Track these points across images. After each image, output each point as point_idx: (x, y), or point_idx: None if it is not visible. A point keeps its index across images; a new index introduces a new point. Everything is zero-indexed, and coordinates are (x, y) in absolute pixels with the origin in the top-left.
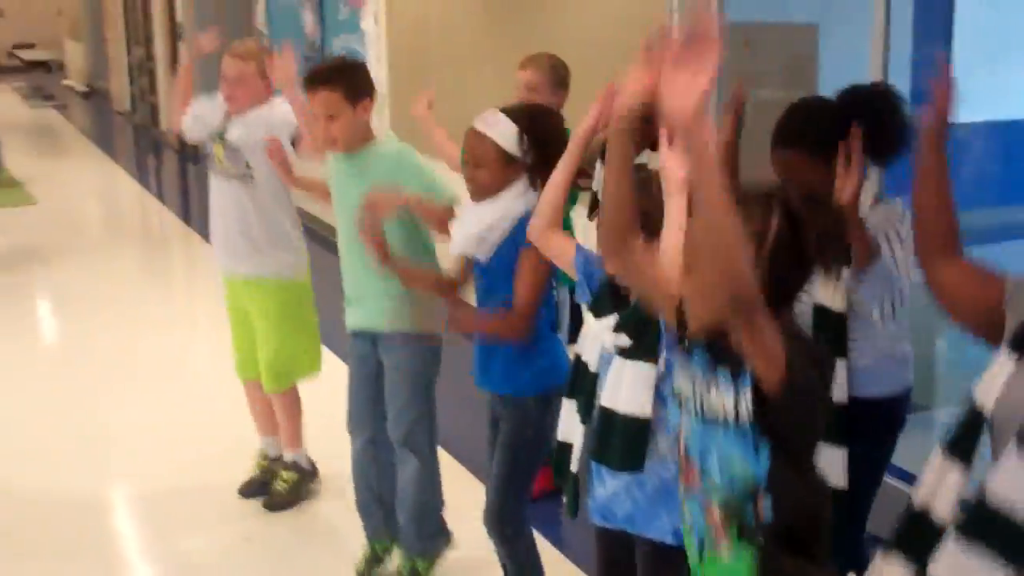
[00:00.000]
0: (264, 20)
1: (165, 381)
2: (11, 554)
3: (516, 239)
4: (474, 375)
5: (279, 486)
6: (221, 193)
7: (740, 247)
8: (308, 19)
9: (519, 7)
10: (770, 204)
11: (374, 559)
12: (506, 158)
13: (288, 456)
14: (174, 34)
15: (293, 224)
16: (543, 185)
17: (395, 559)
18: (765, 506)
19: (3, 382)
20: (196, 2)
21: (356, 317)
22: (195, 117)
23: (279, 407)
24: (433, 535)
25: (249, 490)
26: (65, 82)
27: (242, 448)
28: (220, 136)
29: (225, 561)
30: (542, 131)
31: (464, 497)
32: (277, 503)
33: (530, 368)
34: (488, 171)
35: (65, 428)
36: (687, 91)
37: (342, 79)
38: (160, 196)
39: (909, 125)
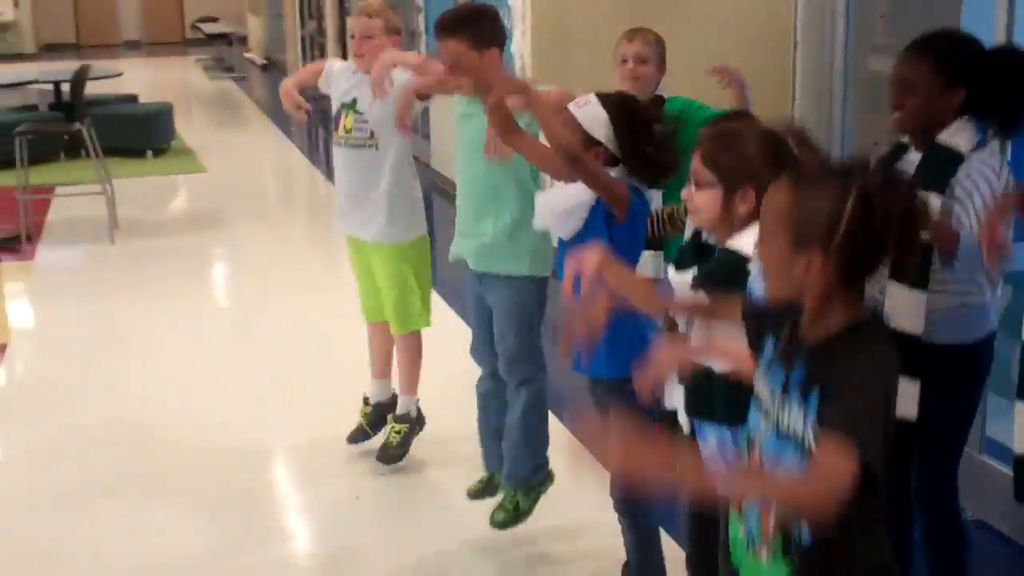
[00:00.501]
0: None
1: (318, 341)
2: (155, 493)
3: (594, 222)
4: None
5: (391, 438)
6: (347, 160)
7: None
8: None
9: None
10: (847, 185)
11: (487, 488)
12: (589, 141)
13: (401, 403)
14: (342, 8)
15: (413, 188)
16: (631, 170)
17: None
18: (807, 530)
19: (175, 336)
20: None
21: (458, 249)
22: (330, 74)
23: (402, 349)
24: (535, 470)
25: (355, 438)
26: (246, 55)
27: None
28: (352, 106)
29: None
30: (630, 121)
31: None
32: (390, 455)
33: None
34: None
35: (219, 382)
36: None
37: (468, 29)
38: (325, 167)
39: None
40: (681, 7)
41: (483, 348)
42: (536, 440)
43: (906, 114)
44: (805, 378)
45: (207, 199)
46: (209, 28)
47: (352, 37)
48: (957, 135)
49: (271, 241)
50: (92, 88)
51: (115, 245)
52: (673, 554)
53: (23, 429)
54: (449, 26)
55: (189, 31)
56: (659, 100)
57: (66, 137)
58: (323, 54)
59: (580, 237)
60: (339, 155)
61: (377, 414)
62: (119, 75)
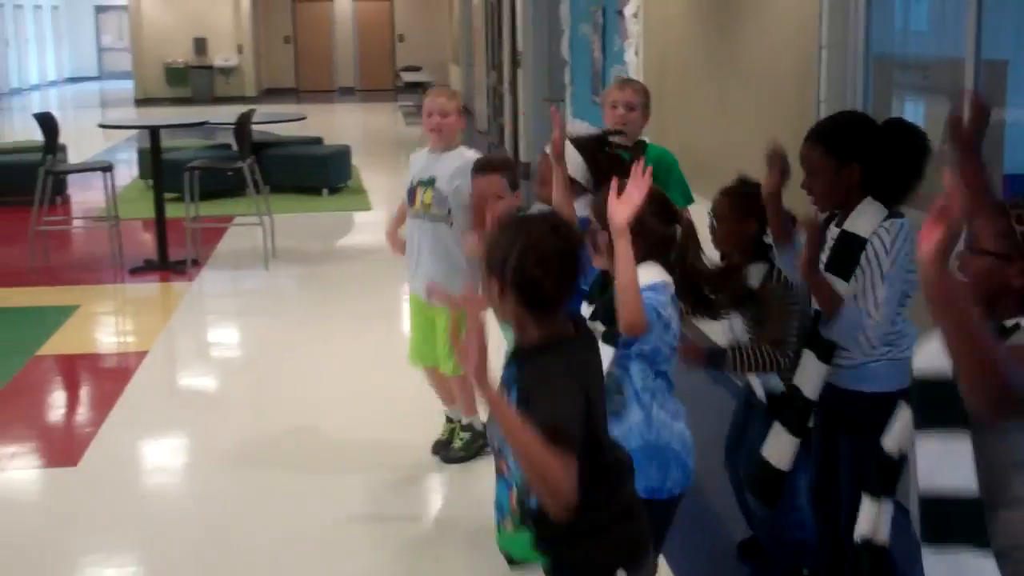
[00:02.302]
0: (567, 49)
1: None
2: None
3: None
4: None
5: (456, 443)
6: (422, 232)
7: None
8: (595, 49)
9: (726, 41)
10: (518, 233)
11: None
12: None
13: (465, 420)
14: (515, 61)
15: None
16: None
17: None
18: (532, 501)
19: (300, 349)
20: (531, 32)
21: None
22: (413, 173)
23: (457, 385)
24: None
25: (435, 448)
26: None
27: None
28: (430, 183)
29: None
30: (603, 162)
31: None
32: (452, 457)
33: None
34: (551, 189)
35: (341, 393)
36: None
37: (510, 169)
38: None
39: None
40: (732, 68)
41: None
42: None
43: (816, 195)
44: (511, 378)
45: (365, 234)
46: (410, 77)
47: (430, 115)
48: (860, 218)
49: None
50: (283, 129)
51: (268, 271)
52: None
53: (139, 435)
54: (493, 165)
55: (398, 79)
56: (641, 144)
57: (229, 173)
58: (502, 102)
59: None
60: (415, 226)
61: (454, 429)
62: (302, 119)
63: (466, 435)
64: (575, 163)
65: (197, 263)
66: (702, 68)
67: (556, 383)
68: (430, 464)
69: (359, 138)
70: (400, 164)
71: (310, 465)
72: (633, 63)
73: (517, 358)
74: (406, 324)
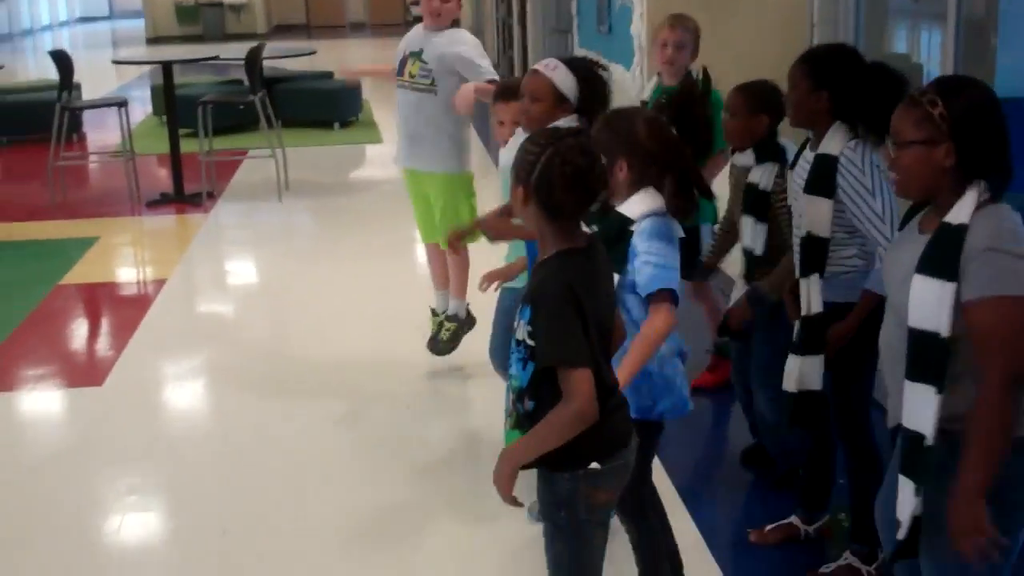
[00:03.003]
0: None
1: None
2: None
3: None
4: None
5: (443, 335)
6: (407, 103)
7: None
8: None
9: None
10: (546, 145)
11: None
12: (558, 98)
13: (452, 306)
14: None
15: (462, 129)
16: (589, 120)
17: None
18: (529, 404)
19: (309, 281)
20: None
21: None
22: (403, 46)
23: (453, 263)
24: None
25: (431, 346)
26: None
27: None
28: (418, 55)
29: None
30: (592, 84)
31: None
32: (440, 348)
33: None
34: (542, 105)
35: (347, 311)
36: None
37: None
38: (487, 142)
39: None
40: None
41: (500, 353)
42: None
43: (789, 110)
44: (527, 294)
45: (376, 167)
46: (417, 10)
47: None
48: (830, 141)
49: None
50: (299, 63)
51: (282, 203)
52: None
53: (159, 359)
54: (514, 91)
55: (407, 13)
56: (690, 80)
57: (241, 107)
58: (511, 34)
59: None
60: (401, 97)
61: (440, 323)
62: (312, 53)
63: (452, 325)
64: (567, 81)
65: (212, 196)
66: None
67: (555, 312)
68: (437, 376)
69: (368, 73)
70: None
71: (325, 386)
72: (637, 9)
73: (532, 274)
74: (416, 253)
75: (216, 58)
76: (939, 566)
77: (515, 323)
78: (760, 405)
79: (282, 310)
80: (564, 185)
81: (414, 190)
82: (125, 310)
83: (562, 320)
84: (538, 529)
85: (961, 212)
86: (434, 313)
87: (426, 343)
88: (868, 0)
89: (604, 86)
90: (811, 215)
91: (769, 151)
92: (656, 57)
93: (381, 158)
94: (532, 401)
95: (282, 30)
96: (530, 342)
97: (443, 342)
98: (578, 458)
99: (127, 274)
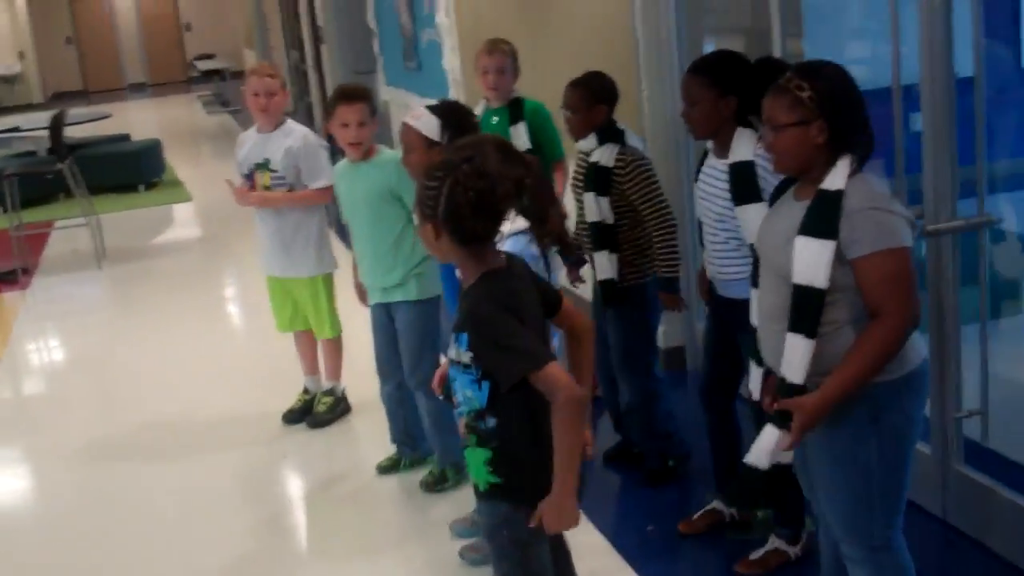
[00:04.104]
0: (373, 18)
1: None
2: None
3: None
4: None
5: (319, 407)
6: (270, 214)
7: None
8: (403, 15)
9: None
10: (446, 175)
11: (392, 466)
12: (428, 142)
13: (327, 385)
14: (316, 36)
15: (321, 227)
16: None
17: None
18: (490, 421)
19: (154, 346)
20: (331, 5)
21: (375, 297)
22: (239, 146)
23: (328, 350)
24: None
25: (291, 417)
26: (243, 88)
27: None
28: (265, 165)
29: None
30: (456, 121)
31: None
32: (319, 420)
33: None
34: (416, 155)
35: (197, 382)
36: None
37: (371, 97)
38: None
39: None
40: (545, 20)
41: (388, 363)
42: (451, 427)
43: (694, 124)
44: (460, 321)
45: (191, 225)
46: (205, 65)
47: (256, 95)
48: (739, 147)
49: (255, 260)
50: (88, 130)
51: (103, 271)
52: None
53: (13, 442)
54: (360, 93)
55: (191, 70)
56: (518, 102)
57: (49, 177)
58: (307, 81)
59: None
60: (262, 210)
61: (309, 401)
62: (107, 117)
63: (328, 399)
64: (431, 126)
65: (27, 271)
66: (517, 22)
67: (499, 329)
68: (292, 433)
69: (161, 132)
70: (209, 153)
71: (169, 453)
72: (445, 24)
73: (460, 300)
74: (250, 305)
75: (17, 129)
76: (831, 497)
77: (451, 349)
78: (625, 394)
79: (121, 381)
80: (472, 212)
81: (279, 293)
82: None
83: (508, 332)
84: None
85: (836, 180)
86: (305, 391)
87: (282, 415)
88: (688, 14)
89: (468, 118)
90: (748, 224)
91: (609, 134)
92: (480, 84)
93: (194, 215)
94: (493, 418)
95: (59, 97)
96: (476, 364)
97: (320, 414)
98: (521, 496)
99: None
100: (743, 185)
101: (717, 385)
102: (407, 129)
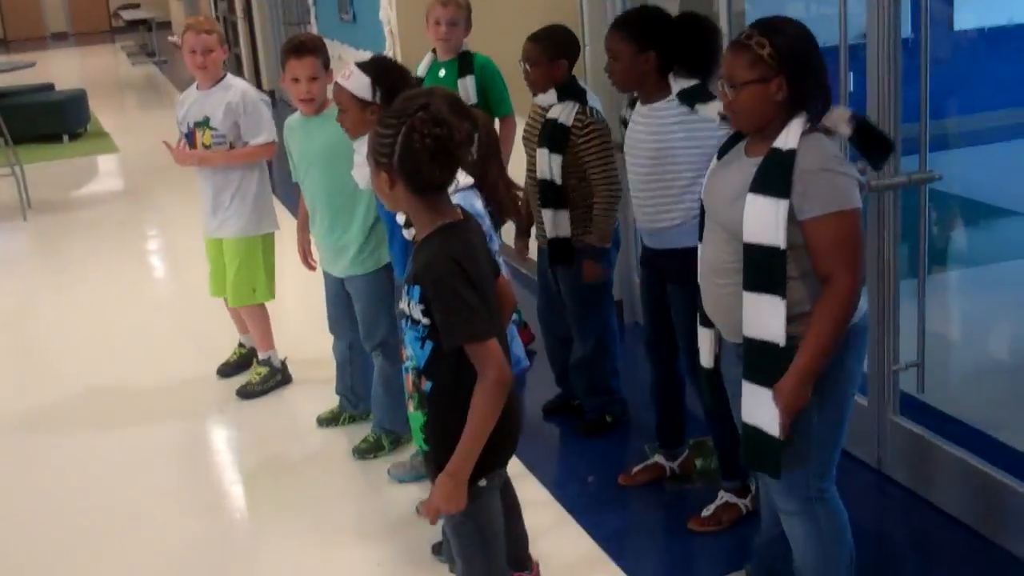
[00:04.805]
0: None
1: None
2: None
3: None
4: None
5: (253, 378)
6: (209, 173)
7: None
8: None
9: None
10: (400, 122)
11: (333, 419)
12: (361, 102)
13: (262, 355)
14: None
15: (261, 186)
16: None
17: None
18: (426, 384)
19: (79, 297)
20: None
21: (327, 264)
22: (180, 105)
23: (247, 317)
24: (400, 422)
25: (226, 370)
26: (170, 38)
27: None
28: (205, 123)
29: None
30: (388, 79)
31: None
32: (249, 392)
33: None
34: (351, 114)
35: (123, 335)
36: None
37: (323, 49)
38: None
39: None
40: None
41: (340, 323)
42: (399, 403)
43: (616, 78)
44: (413, 273)
45: (118, 176)
46: (130, 15)
47: (193, 52)
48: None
49: (181, 211)
50: (9, 79)
51: (28, 222)
52: None
53: None
54: (310, 46)
55: (114, 19)
56: (467, 55)
57: None
58: (236, 32)
59: None
60: (202, 170)
61: (247, 355)
62: (31, 66)
63: (263, 370)
64: (361, 85)
65: None
66: None
67: (448, 290)
68: (226, 399)
69: (85, 83)
70: (135, 104)
71: (98, 415)
72: None
73: (413, 253)
74: (178, 259)
75: None
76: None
77: (401, 302)
78: (578, 349)
79: (50, 335)
80: (428, 158)
81: (214, 254)
82: None
83: (458, 297)
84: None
85: (789, 138)
86: (241, 345)
87: (217, 368)
88: None
89: (400, 74)
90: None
91: (570, 91)
92: (430, 34)
93: (121, 167)
94: (429, 381)
95: None
96: (425, 320)
97: (252, 385)
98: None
99: None
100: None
101: (660, 339)
102: (339, 89)
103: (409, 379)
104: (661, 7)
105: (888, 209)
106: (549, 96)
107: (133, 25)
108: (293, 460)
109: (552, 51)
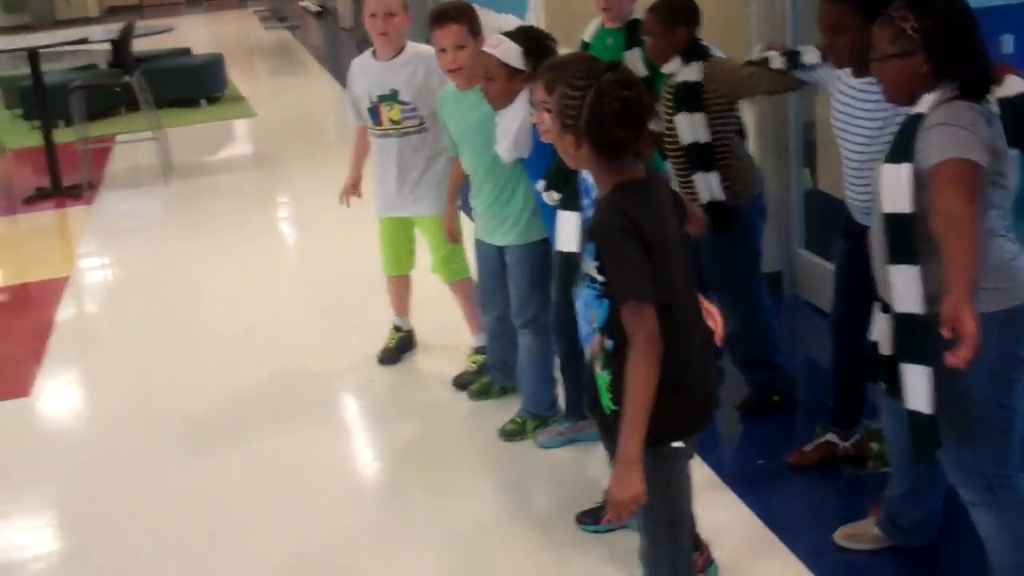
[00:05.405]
0: None
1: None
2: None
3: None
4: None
5: (469, 367)
6: (397, 150)
7: None
8: None
9: None
10: (588, 83)
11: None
12: (510, 71)
13: (477, 339)
14: None
15: (446, 166)
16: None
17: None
18: (608, 343)
19: (225, 268)
20: None
21: (484, 233)
22: (353, 76)
23: (459, 294)
24: (545, 404)
25: (385, 357)
26: (300, 3)
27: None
28: (394, 97)
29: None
30: (538, 47)
31: None
32: (465, 381)
33: None
34: (498, 84)
35: (270, 308)
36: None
37: (469, 15)
38: None
39: None
40: None
41: (492, 295)
42: (545, 380)
43: (841, 54)
44: (589, 229)
45: (257, 141)
46: None
47: (373, 16)
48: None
49: (318, 178)
50: (147, 44)
51: (170, 187)
52: None
53: (85, 360)
54: (454, 12)
55: None
56: (635, 24)
57: (117, 89)
58: None
59: (538, 152)
60: (388, 146)
61: (404, 338)
62: (169, 30)
63: (479, 357)
64: (511, 53)
65: (92, 186)
66: None
67: (615, 249)
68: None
69: (219, 47)
70: (268, 69)
71: (260, 394)
72: None
73: (594, 210)
74: (315, 227)
75: (85, 40)
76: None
77: (582, 260)
78: (729, 322)
79: (193, 300)
80: (617, 121)
81: (394, 234)
82: (33, 314)
83: (622, 256)
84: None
85: (923, 104)
86: (396, 329)
87: (378, 355)
88: None
89: (549, 43)
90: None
91: (694, 54)
92: (593, 1)
93: (259, 131)
94: (611, 340)
95: (114, 12)
96: (600, 278)
97: (469, 374)
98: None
99: (24, 275)
100: (686, 99)
101: (847, 321)
102: (487, 58)
103: (595, 339)
104: None
105: None
106: (674, 64)
107: None
108: (449, 439)
109: (670, 20)
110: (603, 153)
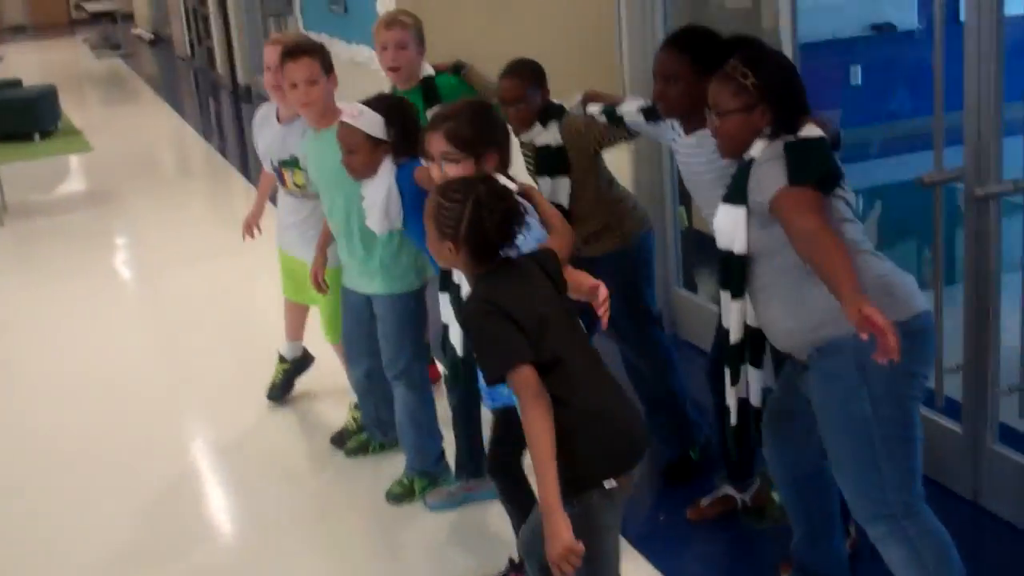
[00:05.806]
0: None
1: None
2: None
3: (405, 192)
4: None
5: (350, 423)
6: (293, 209)
7: None
8: None
9: None
10: (466, 195)
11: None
12: (373, 142)
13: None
14: None
15: None
16: (405, 155)
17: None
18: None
19: (67, 313)
20: None
21: (351, 279)
22: (264, 149)
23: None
24: (431, 460)
25: (272, 394)
26: (134, 31)
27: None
28: (296, 164)
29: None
30: (400, 115)
31: None
32: (343, 438)
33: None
34: (361, 156)
35: (118, 354)
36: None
37: (321, 51)
38: (208, 135)
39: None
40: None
41: (358, 347)
42: (429, 438)
43: (671, 102)
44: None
45: (94, 177)
46: (93, 7)
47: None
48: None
49: (159, 215)
50: None
51: (5, 227)
52: None
53: None
54: (304, 47)
55: (74, 12)
56: (430, 80)
57: None
58: (207, 25)
59: (414, 212)
60: (289, 200)
61: (291, 369)
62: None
63: (358, 413)
64: (374, 124)
65: None
66: None
67: (478, 330)
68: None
69: (50, 78)
70: (102, 99)
71: (86, 433)
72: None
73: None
74: (158, 266)
75: None
76: (839, 468)
77: None
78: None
79: (35, 348)
80: (495, 230)
81: (289, 272)
82: None
83: (486, 334)
84: None
85: (755, 149)
86: (281, 360)
87: (267, 392)
88: None
89: (411, 111)
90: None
91: (551, 113)
92: (380, 61)
93: (97, 167)
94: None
95: None
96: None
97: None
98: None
99: None
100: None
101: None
102: (349, 130)
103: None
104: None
105: (990, 220)
106: (533, 130)
107: (96, 18)
108: (325, 501)
109: (535, 83)
110: (478, 256)
